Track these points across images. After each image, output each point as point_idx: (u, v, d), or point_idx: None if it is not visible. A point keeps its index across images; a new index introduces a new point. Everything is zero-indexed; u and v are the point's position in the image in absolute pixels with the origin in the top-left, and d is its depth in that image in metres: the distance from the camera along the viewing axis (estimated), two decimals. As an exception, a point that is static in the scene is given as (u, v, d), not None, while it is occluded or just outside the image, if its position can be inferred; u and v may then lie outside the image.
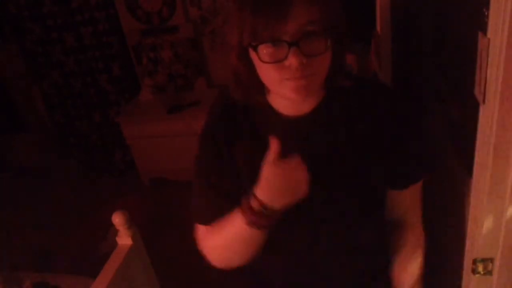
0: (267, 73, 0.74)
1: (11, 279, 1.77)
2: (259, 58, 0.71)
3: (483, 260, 0.82)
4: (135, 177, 3.32)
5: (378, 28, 1.83)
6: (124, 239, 1.49)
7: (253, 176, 0.76)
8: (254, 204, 0.74)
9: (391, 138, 0.84)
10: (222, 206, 0.83)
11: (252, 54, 0.73)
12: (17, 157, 3.81)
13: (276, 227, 0.88)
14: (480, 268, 0.83)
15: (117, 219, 1.45)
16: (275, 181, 0.73)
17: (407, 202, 0.95)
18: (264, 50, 0.70)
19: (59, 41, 3.23)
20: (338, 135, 0.84)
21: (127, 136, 3.12)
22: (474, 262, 0.83)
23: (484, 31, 0.67)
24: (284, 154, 0.84)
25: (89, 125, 3.53)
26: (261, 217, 0.75)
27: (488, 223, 0.78)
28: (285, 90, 0.74)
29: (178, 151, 2.96)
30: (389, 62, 1.74)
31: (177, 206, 2.92)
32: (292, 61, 0.69)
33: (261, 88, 0.80)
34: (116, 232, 1.50)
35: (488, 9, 0.65)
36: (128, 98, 3.35)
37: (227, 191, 0.86)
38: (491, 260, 0.82)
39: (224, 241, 0.85)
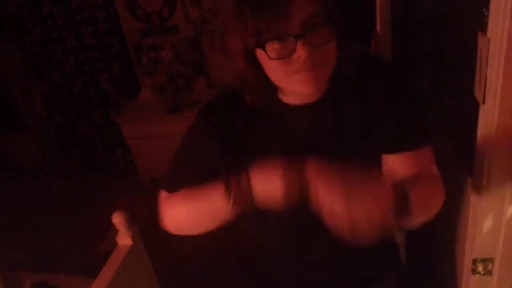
0: (276, 70, 0.74)
1: (11, 279, 1.76)
2: (268, 56, 0.71)
3: (483, 260, 0.82)
4: (135, 177, 3.32)
5: (378, 28, 1.83)
6: (124, 239, 1.49)
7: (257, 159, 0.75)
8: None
9: (391, 114, 0.83)
10: (195, 178, 0.83)
11: (259, 54, 0.74)
12: (17, 157, 3.81)
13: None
14: (480, 268, 0.83)
15: (117, 219, 1.45)
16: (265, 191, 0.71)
17: (413, 169, 0.87)
18: (271, 48, 0.71)
19: (59, 41, 3.23)
20: (344, 123, 0.84)
21: (127, 136, 3.12)
22: (474, 262, 0.83)
23: (484, 31, 0.67)
24: (290, 141, 0.84)
25: (89, 125, 3.53)
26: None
27: (488, 223, 0.78)
28: (295, 83, 0.74)
29: (178, 151, 2.96)
30: (389, 62, 1.73)
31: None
32: (300, 53, 0.70)
33: (270, 88, 0.80)
34: (116, 232, 1.50)
35: (488, 9, 0.65)
36: (128, 98, 3.34)
37: (209, 167, 0.86)
38: (491, 260, 0.82)
39: (189, 210, 0.84)
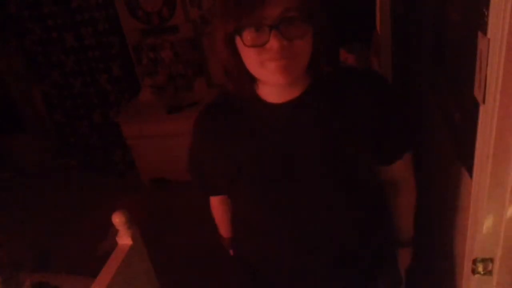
0: (250, 58, 0.77)
1: (11, 279, 1.76)
2: (243, 43, 0.75)
3: (483, 260, 0.82)
4: (135, 177, 3.32)
5: (378, 28, 1.83)
6: (124, 239, 1.49)
7: (239, 162, 0.87)
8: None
9: (373, 119, 0.86)
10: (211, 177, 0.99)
11: (237, 40, 0.77)
12: (17, 157, 3.81)
13: (263, 209, 0.92)
14: (480, 268, 0.83)
15: (117, 219, 1.45)
16: None
17: (398, 173, 0.98)
18: (248, 35, 0.74)
19: (59, 41, 3.23)
20: (323, 120, 0.87)
21: (127, 136, 3.12)
22: (474, 262, 0.83)
23: (484, 31, 0.67)
24: (269, 139, 0.87)
25: (89, 125, 3.53)
26: None
27: (488, 223, 0.78)
28: (267, 72, 0.77)
29: (178, 151, 2.94)
30: (389, 62, 1.74)
31: (177, 206, 2.93)
32: (273, 43, 0.73)
33: (249, 78, 0.82)
34: (116, 232, 1.50)
35: (488, 9, 0.65)
36: (128, 98, 3.35)
37: (214, 172, 0.97)
38: (491, 260, 0.82)
39: None
